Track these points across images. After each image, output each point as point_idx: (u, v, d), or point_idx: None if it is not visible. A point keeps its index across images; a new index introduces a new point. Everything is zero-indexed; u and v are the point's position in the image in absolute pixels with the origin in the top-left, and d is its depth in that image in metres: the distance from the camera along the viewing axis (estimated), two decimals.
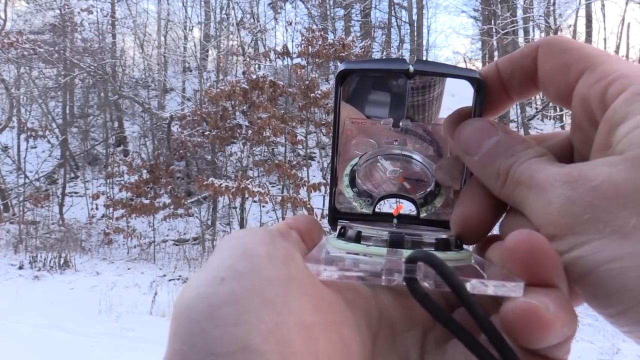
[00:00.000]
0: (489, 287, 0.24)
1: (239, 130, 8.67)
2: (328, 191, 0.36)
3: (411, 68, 0.29)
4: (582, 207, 0.23)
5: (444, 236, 0.29)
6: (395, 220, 0.34)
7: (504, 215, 0.29)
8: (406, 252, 0.26)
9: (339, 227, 0.32)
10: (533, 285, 0.23)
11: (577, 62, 0.27)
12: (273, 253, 0.22)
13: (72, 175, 12.51)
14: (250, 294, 0.20)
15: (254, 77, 8.16)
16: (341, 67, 0.30)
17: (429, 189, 0.34)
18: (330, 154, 0.33)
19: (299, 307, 0.21)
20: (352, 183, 0.34)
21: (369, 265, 0.27)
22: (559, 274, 0.23)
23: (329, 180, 0.35)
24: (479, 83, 0.30)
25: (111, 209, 9.48)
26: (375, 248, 0.28)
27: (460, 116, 0.31)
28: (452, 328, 0.23)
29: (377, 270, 0.25)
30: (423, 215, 0.34)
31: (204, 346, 0.19)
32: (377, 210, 0.34)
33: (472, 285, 0.24)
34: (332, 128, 0.32)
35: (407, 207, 0.35)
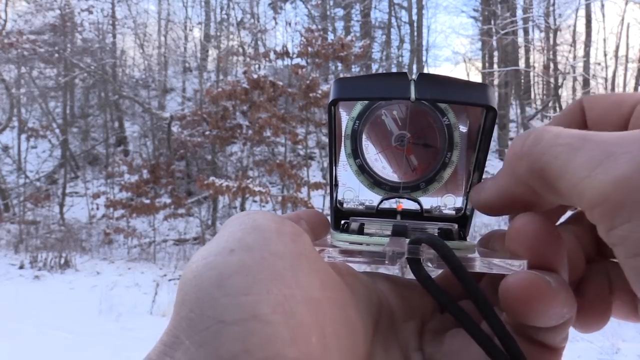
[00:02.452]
0: (492, 267, 0.24)
1: (239, 130, 8.67)
2: (329, 194, 0.35)
3: (412, 96, 0.27)
4: None
5: (447, 227, 0.29)
6: (398, 217, 0.33)
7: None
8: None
9: (342, 224, 0.32)
10: (535, 268, 0.23)
11: (628, 98, 0.27)
12: (282, 229, 0.23)
13: (73, 175, 12.51)
14: (260, 265, 0.20)
15: (255, 77, 8.17)
16: (333, 94, 0.28)
17: (439, 162, 0.32)
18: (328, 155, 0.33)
19: (307, 282, 0.21)
20: (355, 154, 0.32)
21: (373, 247, 0.27)
22: (561, 260, 0.23)
23: (329, 181, 0.34)
24: (489, 109, 0.28)
25: (111, 209, 9.49)
26: (378, 238, 0.28)
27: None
28: (453, 310, 0.24)
29: (380, 251, 0.25)
30: (432, 190, 0.33)
31: (213, 314, 0.19)
32: (380, 207, 0.33)
33: (477, 266, 0.24)
34: (328, 142, 0.31)
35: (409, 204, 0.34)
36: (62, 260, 7.37)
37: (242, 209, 9.37)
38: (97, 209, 10.57)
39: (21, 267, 7.24)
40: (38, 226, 9.96)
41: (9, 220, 10.23)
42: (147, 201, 8.97)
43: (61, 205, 10.87)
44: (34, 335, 4.09)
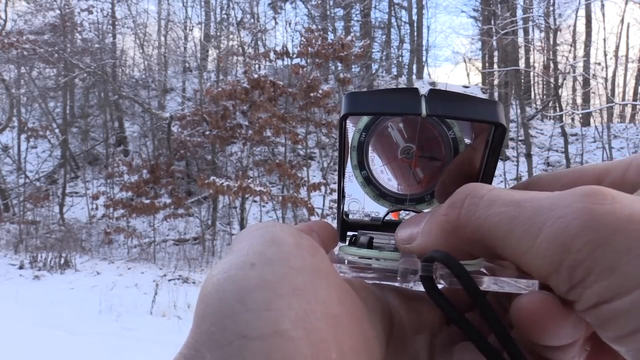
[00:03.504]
0: (503, 286, 0.24)
1: (239, 130, 8.68)
2: (336, 205, 0.35)
3: (424, 112, 0.27)
4: None
5: None
6: None
7: None
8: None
9: (349, 236, 0.32)
10: (546, 288, 0.23)
11: (582, 179, 0.27)
12: (300, 243, 0.23)
13: (73, 175, 12.51)
14: (280, 280, 0.20)
15: (255, 76, 8.17)
16: (344, 108, 0.28)
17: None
18: (336, 158, 0.32)
19: (327, 297, 0.21)
20: (361, 165, 0.32)
21: (385, 264, 0.27)
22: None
23: (337, 193, 0.33)
24: (498, 126, 0.27)
25: (111, 209, 9.49)
26: (388, 253, 0.28)
27: None
28: (465, 328, 0.24)
29: (393, 269, 0.25)
30: (437, 203, 0.32)
31: (235, 328, 0.19)
32: (386, 219, 0.34)
33: (486, 284, 0.24)
34: (338, 155, 0.31)
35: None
36: (62, 260, 7.37)
37: (242, 209, 9.37)
38: (97, 209, 10.57)
39: (21, 267, 7.24)
40: (38, 226, 9.96)
41: (9, 220, 10.24)
42: (147, 201, 8.97)
43: (61, 205, 10.87)
44: (34, 335, 4.08)
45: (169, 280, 6.58)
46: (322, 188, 7.94)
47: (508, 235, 0.22)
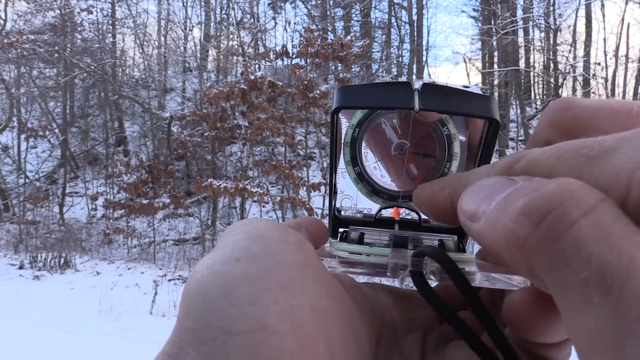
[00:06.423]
0: (495, 282, 0.23)
1: (238, 131, 8.67)
2: (328, 201, 0.34)
3: (417, 107, 0.26)
4: None
5: (447, 238, 0.29)
6: (396, 226, 0.32)
7: None
8: (410, 252, 0.25)
9: (340, 232, 0.32)
10: None
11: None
12: (287, 238, 0.22)
13: (73, 175, 12.51)
14: (266, 275, 0.20)
15: (252, 77, 8.16)
16: (335, 102, 0.27)
17: (438, 172, 0.31)
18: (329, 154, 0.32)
19: (315, 292, 0.21)
20: (354, 162, 0.32)
21: (374, 259, 0.26)
22: None
23: (328, 189, 0.33)
24: (492, 122, 0.27)
25: (111, 210, 9.49)
26: (378, 249, 0.27)
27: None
28: (455, 324, 0.23)
29: (383, 263, 0.25)
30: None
31: (219, 324, 0.18)
32: (378, 216, 0.33)
33: (478, 280, 0.24)
34: (329, 150, 0.31)
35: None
36: (62, 261, 7.37)
37: (242, 209, 9.37)
38: (96, 209, 10.57)
39: (21, 267, 7.23)
40: (38, 226, 9.96)
41: (9, 220, 10.23)
42: (146, 201, 8.97)
43: (61, 205, 10.87)
44: (34, 335, 4.08)
45: (169, 280, 6.58)
46: (322, 188, 7.93)
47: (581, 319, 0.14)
